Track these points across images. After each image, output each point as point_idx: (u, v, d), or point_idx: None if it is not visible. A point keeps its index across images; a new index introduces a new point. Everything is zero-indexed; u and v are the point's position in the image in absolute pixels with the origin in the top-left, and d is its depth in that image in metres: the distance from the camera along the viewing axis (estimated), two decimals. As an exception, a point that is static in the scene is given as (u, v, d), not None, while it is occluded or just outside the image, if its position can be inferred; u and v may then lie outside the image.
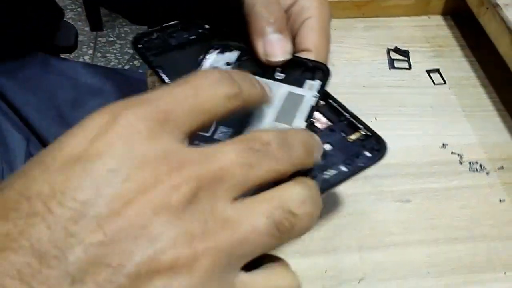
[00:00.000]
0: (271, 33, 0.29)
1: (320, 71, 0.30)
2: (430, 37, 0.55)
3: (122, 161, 0.17)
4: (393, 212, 0.39)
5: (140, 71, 1.59)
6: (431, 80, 0.50)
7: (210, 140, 0.26)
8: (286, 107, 0.28)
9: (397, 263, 0.36)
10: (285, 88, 0.29)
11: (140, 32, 0.32)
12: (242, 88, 0.20)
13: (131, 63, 1.64)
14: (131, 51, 1.68)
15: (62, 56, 0.72)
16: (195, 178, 0.17)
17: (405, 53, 0.52)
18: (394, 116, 0.46)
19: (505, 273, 0.36)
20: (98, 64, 1.62)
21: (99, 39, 1.70)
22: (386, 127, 0.45)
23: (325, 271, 0.35)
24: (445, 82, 0.50)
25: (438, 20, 0.57)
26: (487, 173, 0.43)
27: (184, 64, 0.31)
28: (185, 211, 0.17)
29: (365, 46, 0.53)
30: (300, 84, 0.30)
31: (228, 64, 0.30)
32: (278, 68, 0.30)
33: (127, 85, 0.69)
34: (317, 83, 0.30)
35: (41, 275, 0.15)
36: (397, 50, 0.52)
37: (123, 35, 1.72)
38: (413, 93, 0.49)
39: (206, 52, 0.30)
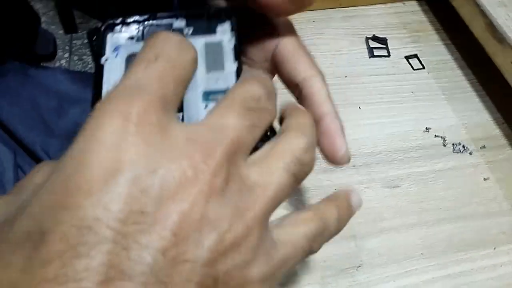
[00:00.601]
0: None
1: (223, 12, 0.31)
2: (407, 23, 0.56)
3: (157, 161, 0.17)
4: (383, 199, 0.40)
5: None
6: (410, 66, 0.51)
7: None
8: (211, 58, 0.28)
9: (392, 247, 0.38)
10: (201, 41, 0.30)
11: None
12: (195, 49, 0.22)
13: (108, 64, 1.62)
14: (107, 52, 1.66)
15: (42, 63, 0.71)
16: (223, 156, 0.18)
17: (383, 41, 0.53)
18: (377, 104, 0.48)
19: (494, 249, 0.38)
20: (76, 67, 1.60)
21: (74, 41, 1.68)
22: (370, 116, 0.46)
23: (324, 261, 0.36)
24: (423, 67, 0.51)
25: (413, 6, 0.58)
26: (470, 153, 0.44)
27: None
28: (227, 190, 0.18)
29: (344, 36, 0.54)
30: (212, 32, 0.30)
31: (131, 38, 0.30)
32: (186, 26, 0.30)
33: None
34: (227, 25, 0.30)
35: None
36: (375, 38, 0.53)
37: (98, 36, 1.70)
38: (393, 80, 0.50)
39: (104, 35, 0.30)
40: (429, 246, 0.38)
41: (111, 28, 0.30)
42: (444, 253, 0.38)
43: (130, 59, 0.28)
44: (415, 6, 0.58)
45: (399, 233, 0.39)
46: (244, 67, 0.27)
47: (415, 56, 0.52)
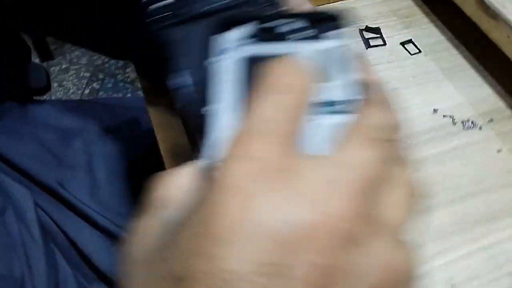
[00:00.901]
0: None
1: (334, 17, 0.30)
2: (396, 10, 0.57)
3: (290, 210, 0.16)
4: (407, 184, 0.42)
5: (115, 95, 1.57)
6: (407, 51, 0.53)
7: None
8: (320, 66, 0.28)
9: (423, 230, 0.39)
10: (310, 46, 0.28)
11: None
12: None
13: (90, 87, 1.62)
14: (87, 74, 1.65)
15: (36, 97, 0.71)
16: (358, 198, 0.17)
17: (376, 30, 0.55)
18: (383, 93, 0.49)
19: (520, 216, 0.40)
20: (57, 94, 1.59)
21: (52, 68, 1.66)
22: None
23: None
24: (420, 51, 0.53)
25: (399, -7, 0.59)
26: (480, 128, 0.46)
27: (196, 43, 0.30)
28: (362, 235, 0.17)
29: (338, 31, 0.55)
30: (322, 38, 0.29)
31: (242, 39, 0.29)
32: (294, 29, 0.29)
33: (106, 114, 0.69)
34: (337, 31, 0.28)
35: None
36: (368, 29, 0.55)
37: (75, 60, 1.69)
38: (394, 67, 0.51)
39: (217, 32, 0.30)
40: (459, 223, 0.39)
41: (223, 26, 0.29)
42: (474, 226, 0.39)
43: (242, 62, 0.28)
44: (401, -7, 0.59)
45: (428, 215, 0.40)
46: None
47: (410, 41, 0.54)
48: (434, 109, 0.48)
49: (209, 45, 0.28)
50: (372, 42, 0.54)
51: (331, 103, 0.25)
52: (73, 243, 0.56)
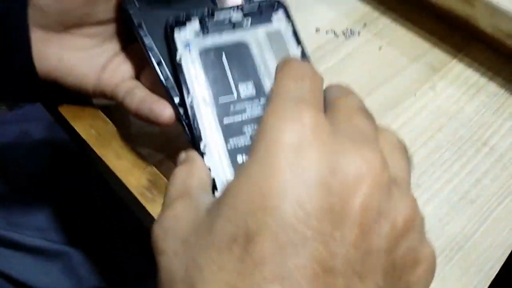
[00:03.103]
0: None
1: (275, 1, 0.33)
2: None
3: (334, 161, 0.19)
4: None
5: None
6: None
7: (239, 100, 0.29)
8: (275, 45, 0.31)
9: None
10: (262, 30, 0.32)
11: None
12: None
13: None
14: None
15: None
16: (381, 151, 0.20)
17: None
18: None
19: (415, 95, 0.46)
20: None
21: None
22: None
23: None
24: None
25: None
26: (359, 34, 0.51)
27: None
28: (391, 181, 0.20)
29: None
30: (269, 21, 0.33)
31: (197, 33, 0.32)
32: (243, 18, 0.32)
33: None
34: (281, 13, 0.33)
35: None
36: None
37: None
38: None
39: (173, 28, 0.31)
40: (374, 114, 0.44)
41: (177, 25, 0.30)
42: (385, 114, 0.45)
43: (204, 53, 0.30)
44: None
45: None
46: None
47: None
48: (316, 29, 0.52)
49: (170, 40, 0.30)
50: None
51: None
52: (6, 277, 0.52)
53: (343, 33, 0.51)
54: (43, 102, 0.40)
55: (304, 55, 0.32)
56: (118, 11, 0.34)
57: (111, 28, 0.34)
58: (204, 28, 0.31)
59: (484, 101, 0.46)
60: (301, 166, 0.18)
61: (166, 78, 0.31)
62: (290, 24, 0.33)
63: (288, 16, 0.33)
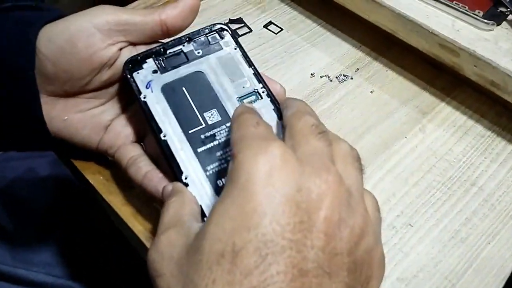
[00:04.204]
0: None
1: (220, 27, 0.36)
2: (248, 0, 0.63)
3: (300, 181, 0.23)
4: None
5: None
6: (271, 32, 0.59)
7: (208, 128, 0.32)
8: (229, 69, 0.34)
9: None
10: (213, 57, 0.35)
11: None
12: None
13: None
14: None
15: None
16: (336, 170, 0.24)
17: (239, 21, 0.60)
18: (266, 72, 0.54)
19: (406, 137, 0.48)
20: None
21: None
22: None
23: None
24: (282, 29, 0.59)
25: (245, -17, 0.65)
26: (352, 78, 0.54)
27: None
28: (347, 194, 0.24)
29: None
30: (218, 47, 0.35)
31: (155, 71, 0.34)
32: (194, 48, 0.35)
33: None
34: (228, 37, 0.36)
35: None
36: (232, 21, 0.60)
37: None
38: (265, 48, 0.57)
39: (132, 71, 0.33)
40: (365, 157, 0.47)
41: (133, 66, 0.33)
42: (377, 156, 0.47)
43: (166, 90, 0.32)
44: (246, -17, 0.66)
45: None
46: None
47: (271, 22, 0.60)
48: (311, 74, 0.55)
49: (131, 83, 0.32)
50: (240, 32, 0.59)
51: (243, 97, 0.33)
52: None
53: (337, 78, 0.54)
54: (55, 152, 0.42)
55: (256, 73, 0.35)
56: (121, 76, 0.35)
57: (113, 90, 0.36)
58: (160, 66, 0.34)
59: (472, 142, 0.48)
60: (274, 188, 0.21)
61: (170, 151, 0.32)
62: (238, 46, 0.35)
63: (235, 38, 0.36)
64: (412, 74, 0.54)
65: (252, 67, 0.35)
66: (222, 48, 0.35)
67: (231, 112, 0.32)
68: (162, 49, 0.34)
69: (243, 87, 0.34)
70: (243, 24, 0.60)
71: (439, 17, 0.48)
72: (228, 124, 0.32)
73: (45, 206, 0.58)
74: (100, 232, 0.58)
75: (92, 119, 0.35)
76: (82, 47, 0.31)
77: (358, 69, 0.55)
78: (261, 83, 0.34)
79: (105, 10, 0.32)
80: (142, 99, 0.32)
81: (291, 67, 0.55)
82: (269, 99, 0.34)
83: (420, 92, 0.53)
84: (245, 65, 0.35)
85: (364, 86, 0.53)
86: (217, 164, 0.31)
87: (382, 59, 0.56)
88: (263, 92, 0.34)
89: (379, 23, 0.51)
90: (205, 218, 0.28)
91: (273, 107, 0.33)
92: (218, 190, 0.30)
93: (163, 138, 0.31)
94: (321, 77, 0.54)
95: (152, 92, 0.32)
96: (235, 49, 0.35)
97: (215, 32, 0.36)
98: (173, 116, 0.32)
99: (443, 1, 0.48)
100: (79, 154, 0.38)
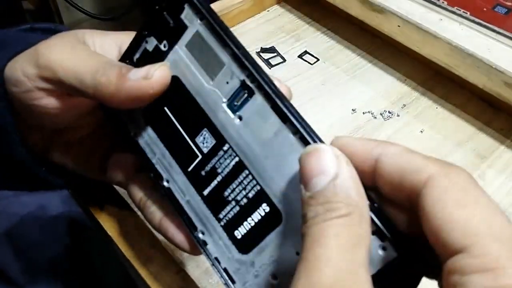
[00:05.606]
0: None
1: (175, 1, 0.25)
2: (281, 26, 0.59)
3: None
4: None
5: None
6: (307, 62, 0.54)
7: (205, 157, 0.25)
8: (203, 59, 0.24)
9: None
10: (181, 47, 0.25)
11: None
12: None
13: None
14: None
15: None
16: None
17: (272, 49, 0.55)
18: (302, 107, 0.49)
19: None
20: None
21: None
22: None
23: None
24: (318, 59, 0.55)
25: (277, 10, 0.61)
26: (398, 115, 0.49)
27: None
28: None
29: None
30: (182, 25, 0.25)
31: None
32: (158, 42, 0.26)
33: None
34: (187, 8, 0.25)
35: None
36: (264, 50, 0.55)
37: None
38: (301, 80, 0.52)
39: None
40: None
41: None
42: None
43: (148, 118, 0.27)
44: (278, 9, 0.61)
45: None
46: None
47: (306, 52, 0.55)
48: (352, 109, 0.49)
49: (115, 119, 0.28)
50: (272, 62, 0.54)
51: (232, 98, 0.23)
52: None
53: (381, 114, 0.49)
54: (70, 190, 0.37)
55: (235, 54, 0.23)
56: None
57: (101, 131, 0.32)
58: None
59: (539, 192, 0.42)
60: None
61: (178, 203, 0.26)
62: (206, 14, 0.23)
63: (198, 9, 0.24)
64: (465, 112, 0.49)
65: (230, 45, 0.23)
66: (187, 27, 0.24)
67: (225, 130, 0.24)
68: (127, 55, 0.27)
69: (227, 82, 0.23)
70: (276, 54, 0.55)
71: (502, 51, 0.43)
72: (225, 148, 0.24)
73: (57, 252, 0.53)
74: (113, 279, 0.53)
75: (85, 157, 0.32)
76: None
77: (404, 105, 0.49)
78: (246, 69, 0.23)
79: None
80: (132, 135, 0.28)
81: (330, 101, 0.50)
82: (262, 92, 0.22)
83: (476, 133, 0.47)
84: (219, 44, 0.23)
85: (413, 124, 0.48)
86: (228, 209, 0.24)
87: (431, 94, 0.50)
88: (252, 83, 0.22)
89: (432, 57, 0.46)
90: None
91: (270, 105, 0.22)
92: (236, 243, 0.24)
93: (166, 186, 0.26)
94: (363, 113, 0.49)
95: (139, 124, 0.27)
96: (202, 20, 0.24)
97: (171, 4, 0.25)
98: (167, 152, 0.26)
99: (507, 33, 0.43)
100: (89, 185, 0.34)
